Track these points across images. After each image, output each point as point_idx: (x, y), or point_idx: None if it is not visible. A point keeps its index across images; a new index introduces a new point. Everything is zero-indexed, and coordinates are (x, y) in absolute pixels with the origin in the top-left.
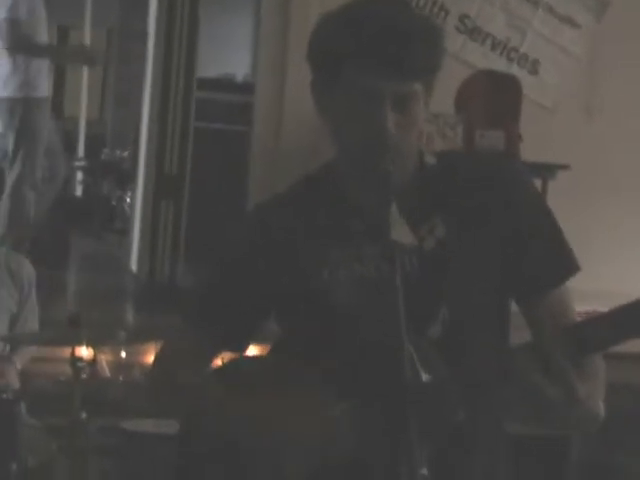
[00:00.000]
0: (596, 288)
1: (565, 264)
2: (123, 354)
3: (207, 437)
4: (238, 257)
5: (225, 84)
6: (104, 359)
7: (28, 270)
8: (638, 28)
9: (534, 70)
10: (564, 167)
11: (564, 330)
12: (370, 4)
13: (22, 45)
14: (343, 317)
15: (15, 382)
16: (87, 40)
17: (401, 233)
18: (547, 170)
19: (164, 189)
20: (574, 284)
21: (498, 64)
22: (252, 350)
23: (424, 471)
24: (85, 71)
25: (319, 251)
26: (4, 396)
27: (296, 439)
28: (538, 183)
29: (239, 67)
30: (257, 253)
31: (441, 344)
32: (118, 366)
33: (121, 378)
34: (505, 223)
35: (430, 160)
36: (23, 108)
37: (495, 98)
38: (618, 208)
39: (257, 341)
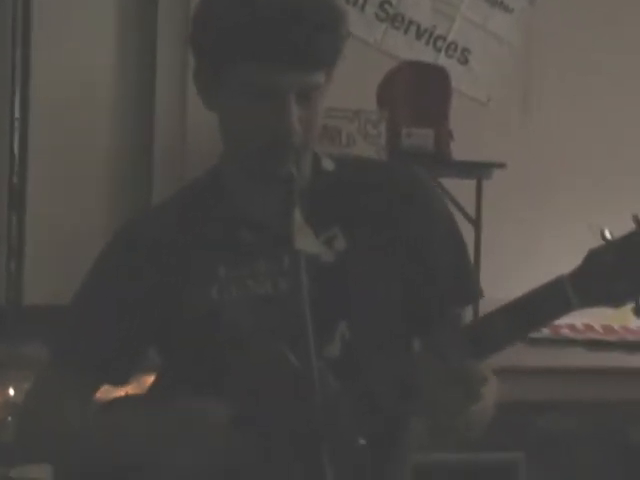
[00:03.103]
0: None
1: (466, 289)
2: (11, 391)
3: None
4: (109, 283)
5: None
6: None
7: None
8: (576, 12)
9: (464, 59)
10: (500, 166)
11: (459, 332)
12: None
13: None
14: (236, 340)
15: None
16: None
17: (306, 242)
18: (481, 169)
19: None
20: (516, 290)
21: (424, 54)
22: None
23: None
24: None
25: (205, 268)
26: None
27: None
28: (472, 184)
29: None
30: (131, 277)
31: (340, 365)
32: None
33: (10, 419)
34: (406, 237)
35: (328, 165)
36: None
37: (422, 92)
38: (557, 209)
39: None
